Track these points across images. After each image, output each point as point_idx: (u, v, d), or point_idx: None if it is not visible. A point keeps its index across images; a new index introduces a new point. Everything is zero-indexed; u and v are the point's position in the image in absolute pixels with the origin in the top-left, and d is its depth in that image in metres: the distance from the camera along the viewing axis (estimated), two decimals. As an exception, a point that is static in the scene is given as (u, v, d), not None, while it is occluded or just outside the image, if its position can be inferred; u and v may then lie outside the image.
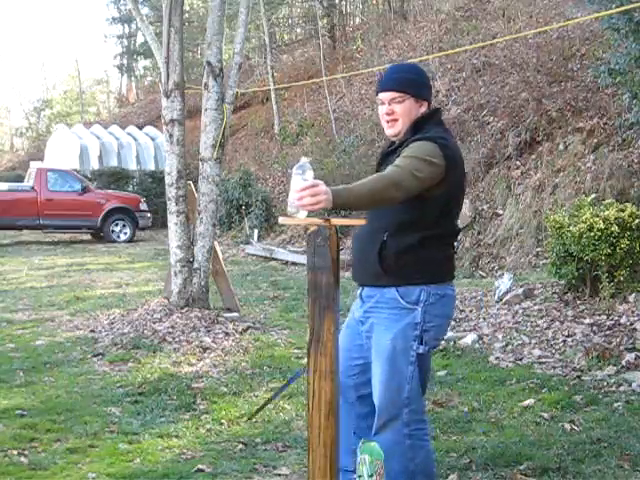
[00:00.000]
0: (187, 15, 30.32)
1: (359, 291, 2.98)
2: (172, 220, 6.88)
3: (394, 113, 2.86)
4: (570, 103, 10.55)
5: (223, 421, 4.26)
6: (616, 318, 5.67)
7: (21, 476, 3.47)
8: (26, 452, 3.75)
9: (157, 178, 18.82)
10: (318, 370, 2.58)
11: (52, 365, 5.52)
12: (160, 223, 16.21)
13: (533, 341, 5.65)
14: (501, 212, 10.17)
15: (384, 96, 2.87)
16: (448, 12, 17.90)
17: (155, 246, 15.28)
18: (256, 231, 14.71)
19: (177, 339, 6.09)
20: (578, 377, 4.82)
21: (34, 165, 17.19)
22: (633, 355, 4.90)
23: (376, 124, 13.58)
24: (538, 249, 9.06)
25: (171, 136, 6.90)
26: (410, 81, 2.88)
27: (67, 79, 46.40)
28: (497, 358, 5.43)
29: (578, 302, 6.26)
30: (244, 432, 4.10)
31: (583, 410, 4.24)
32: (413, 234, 2.74)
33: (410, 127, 2.86)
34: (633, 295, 5.96)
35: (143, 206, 16.70)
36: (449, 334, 6.14)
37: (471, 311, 6.76)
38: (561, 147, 10.06)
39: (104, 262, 12.52)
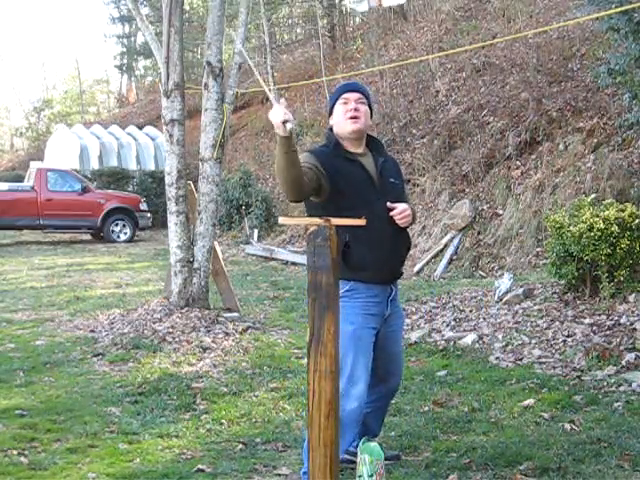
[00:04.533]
0: (187, 15, 30.28)
1: (387, 291, 3.26)
2: (172, 220, 6.88)
3: (359, 110, 3.24)
4: (570, 103, 10.55)
5: (223, 421, 4.26)
6: (616, 318, 5.66)
7: (21, 476, 3.47)
8: (26, 452, 3.75)
9: (157, 178, 18.81)
10: (318, 370, 2.58)
11: (52, 365, 5.52)
12: (160, 223, 16.20)
13: (533, 341, 5.64)
14: (501, 212, 10.17)
15: (352, 95, 3.26)
16: (448, 12, 17.89)
17: (155, 246, 15.27)
18: (256, 231, 14.70)
19: (177, 339, 6.09)
20: (578, 377, 4.81)
21: (34, 165, 17.18)
22: (633, 355, 4.90)
23: (376, 124, 13.58)
24: (538, 249, 9.06)
25: (171, 136, 6.90)
26: (368, 92, 3.38)
27: (67, 79, 46.37)
28: (497, 358, 5.43)
29: (578, 302, 6.26)
30: (244, 432, 4.10)
31: (583, 410, 4.24)
32: None
33: (365, 134, 3.31)
34: (633, 295, 5.96)
35: (143, 206, 16.69)
36: (449, 334, 6.14)
37: (471, 311, 6.76)
38: (561, 147, 10.06)
39: (104, 262, 12.52)
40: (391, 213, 3.15)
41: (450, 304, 7.16)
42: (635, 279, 6.11)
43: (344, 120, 3.24)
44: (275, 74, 21.80)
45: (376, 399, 3.46)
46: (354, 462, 3.27)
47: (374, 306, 3.21)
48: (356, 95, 3.26)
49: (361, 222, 2.80)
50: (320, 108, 19.22)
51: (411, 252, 10.65)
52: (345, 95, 3.26)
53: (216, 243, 7.21)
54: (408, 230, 3.33)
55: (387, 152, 3.47)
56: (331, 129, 3.33)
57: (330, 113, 3.34)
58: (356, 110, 3.22)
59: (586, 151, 9.60)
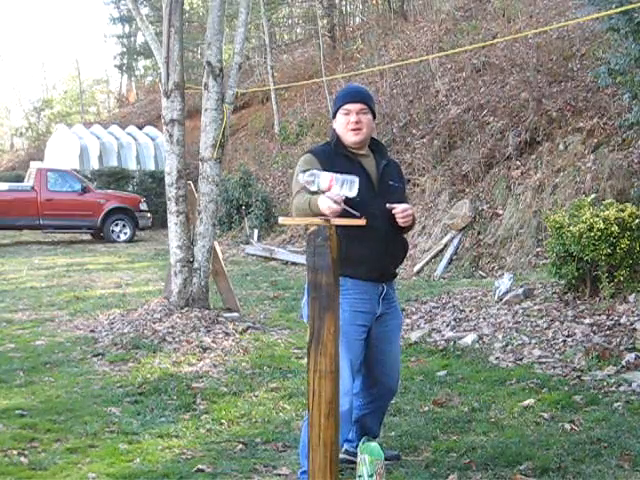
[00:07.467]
0: (187, 15, 30.31)
1: (377, 289, 3.26)
2: (172, 220, 6.88)
3: (360, 122, 3.24)
4: (570, 103, 10.55)
5: (223, 421, 4.26)
6: (616, 318, 5.66)
7: (21, 476, 3.47)
8: (26, 452, 3.75)
9: (157, 178, 18.81)
10: (318, 370, 2.59)
11: (52, 365, 5.53)
12: (160, 223, 16.20)
13: (533, 341, 5.64)
14: (501, 212, 10.16)
15: (353, 107, 3.24)
16: (448, 12, 17.90)
17: (155, 246, 15.27)
18: (256, 231, 14.71)
19: (177, 339, 6.09)
20: (578, 377, 4.82)
21: (34, 165, 17.18)
22: (633, 355, 4.90)
23: (376, 124, 13.57)
24: (538, 249, 9.06)
25: (171, 136, 6.91)
26: (371, 99, 3.35)
27: (67, 79, 46.36)
28: (497, 358, 5.44)
29: (578, 302, 6.26)
30: (244, 432, 4.10)
31: (583, 410, 4.24)
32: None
33: (368, 139, 3.30)
34: (633, 295, 5.96)
35: (143, 206, 16.69)
36: (449, 334, 6.14)
37: (471, 311, 6.76)
38: (561, 147, 10.06)
39: (104, 262, 12.52)
40: (393, 211, 3.16)
41: (450, 304, 7.16)
42: (635, 279, 6.11)
43: (346, 132, 3.25)
44: (275, 74, 21.80)
45: (372, 400, 3.45)
46: (354, 462, 3.27)
47: (363, 303, 3.21)
48: (358, 106, 3.24)
49: (361, 222, 2.80)
50: (320, 108, 19.23)
51: (411, 252, 10.65)
52: (346, 106, 3.24)
53: (216, 243, 7.21)
54: (405, 236, 3.34)
55: (389, 155, 3.46)
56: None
57: (334, 116, 3.35)
58: (358, 122, 3.22)
59: (586, 151, 9.60)
